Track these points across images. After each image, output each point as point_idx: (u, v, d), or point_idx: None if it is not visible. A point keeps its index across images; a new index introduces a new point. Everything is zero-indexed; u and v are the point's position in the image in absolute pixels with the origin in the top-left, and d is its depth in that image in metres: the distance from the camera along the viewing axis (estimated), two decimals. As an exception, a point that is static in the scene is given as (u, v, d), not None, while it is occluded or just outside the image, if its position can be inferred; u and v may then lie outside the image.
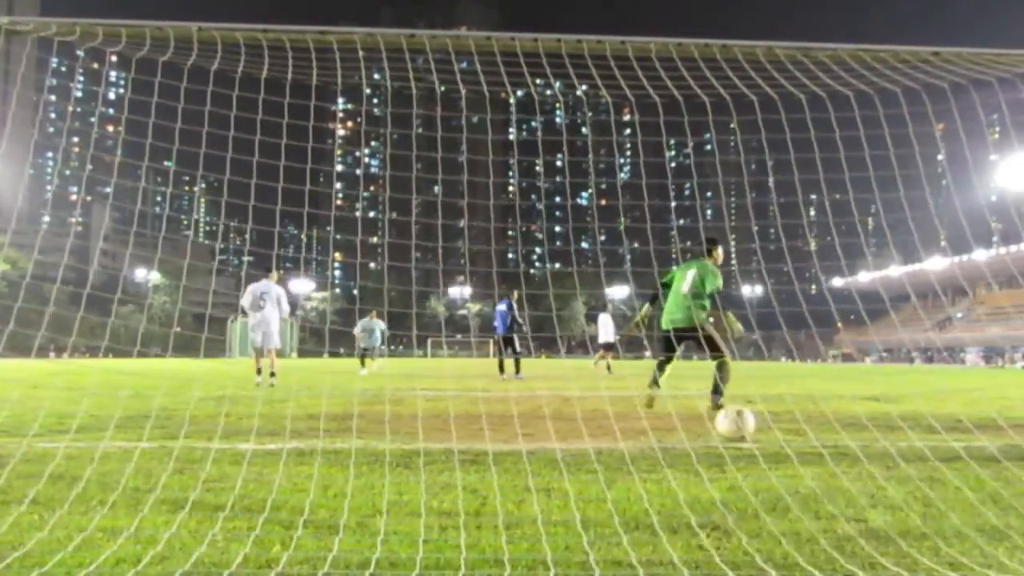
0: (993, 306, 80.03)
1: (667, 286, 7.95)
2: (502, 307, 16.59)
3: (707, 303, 7.73)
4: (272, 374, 12.42)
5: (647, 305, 8.21)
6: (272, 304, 12.75)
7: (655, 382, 7.65)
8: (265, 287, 12.78)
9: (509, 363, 16.58)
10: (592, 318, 17.73)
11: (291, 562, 2.48)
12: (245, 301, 12.83)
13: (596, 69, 4.79)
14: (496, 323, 16.80)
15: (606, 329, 20.56)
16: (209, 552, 2.58)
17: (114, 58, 4.78)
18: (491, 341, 18.92)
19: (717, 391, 7.39)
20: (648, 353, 8.39)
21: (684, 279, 7.77)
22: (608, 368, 20.08)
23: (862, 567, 2.48)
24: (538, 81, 5.12)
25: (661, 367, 7.76)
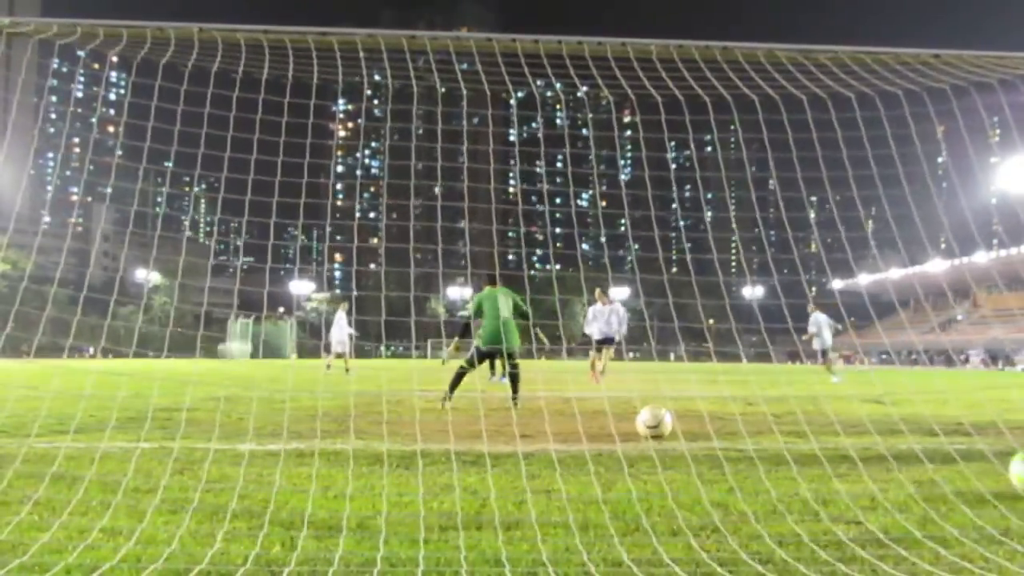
0: (993, 308, 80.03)
1: (477, 314, 9.24)
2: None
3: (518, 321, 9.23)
4: (347, 370, 19.38)
5: (457, 338, 10.01)
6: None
7: (450, 396, 8.54)
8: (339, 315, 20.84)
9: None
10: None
11: (293, 563, 2.47)
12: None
13: (597, 70, 4.79)
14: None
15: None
16: (210, 553, 2.58)
17: (115, 59, 4.79)
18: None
19: (516, 392, 8.59)
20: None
21: (500, 306, 8.99)
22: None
23: (862, 570, 2.48)
24: (539, 82, 5.12)
25: (461, 377, 8.80)
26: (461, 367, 8.98)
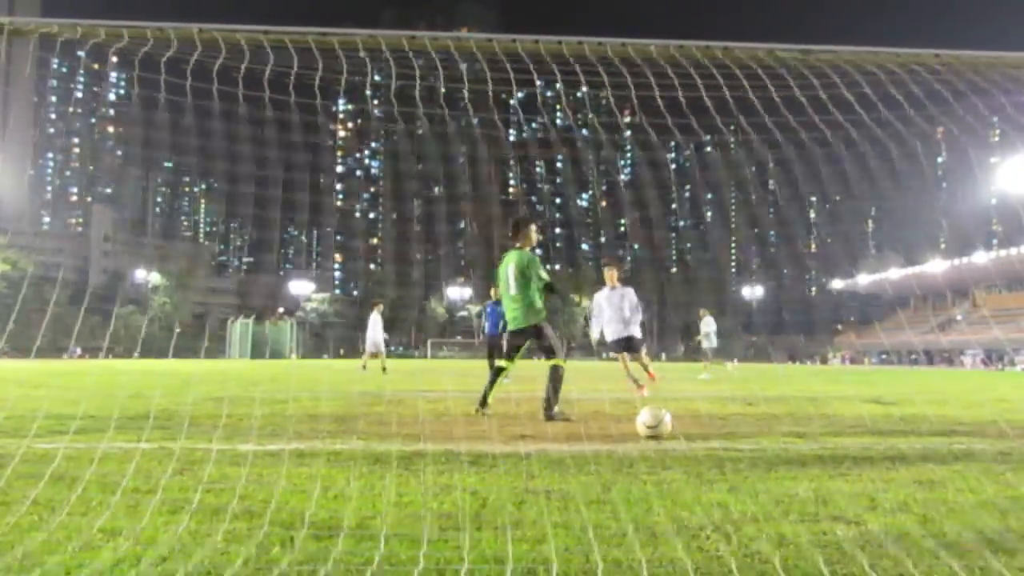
0: (992, 308, 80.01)
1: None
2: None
3: (538, 296, 7.26)
4: (384, 369, 20.01)
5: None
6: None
7: (485, 401, 7.31)
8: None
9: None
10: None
11: (292, 564, 2.47)
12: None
13: (598, 70, 4.79)
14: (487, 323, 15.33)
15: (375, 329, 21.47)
16: (209, 553, 2.58)
17: (115, 59, 4.79)
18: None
19: (553, 395, 6.98)
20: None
21: (506, 280, 7.31)
22: (379, 369, 20.56)
23: (861, 570, 2.48)
24: (539, 82, 5.12)
25: (496, 373, 7.51)
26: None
